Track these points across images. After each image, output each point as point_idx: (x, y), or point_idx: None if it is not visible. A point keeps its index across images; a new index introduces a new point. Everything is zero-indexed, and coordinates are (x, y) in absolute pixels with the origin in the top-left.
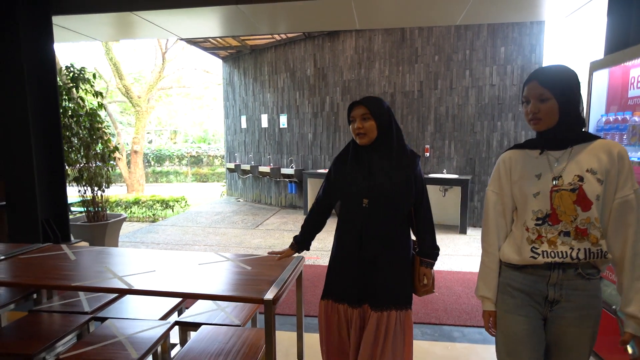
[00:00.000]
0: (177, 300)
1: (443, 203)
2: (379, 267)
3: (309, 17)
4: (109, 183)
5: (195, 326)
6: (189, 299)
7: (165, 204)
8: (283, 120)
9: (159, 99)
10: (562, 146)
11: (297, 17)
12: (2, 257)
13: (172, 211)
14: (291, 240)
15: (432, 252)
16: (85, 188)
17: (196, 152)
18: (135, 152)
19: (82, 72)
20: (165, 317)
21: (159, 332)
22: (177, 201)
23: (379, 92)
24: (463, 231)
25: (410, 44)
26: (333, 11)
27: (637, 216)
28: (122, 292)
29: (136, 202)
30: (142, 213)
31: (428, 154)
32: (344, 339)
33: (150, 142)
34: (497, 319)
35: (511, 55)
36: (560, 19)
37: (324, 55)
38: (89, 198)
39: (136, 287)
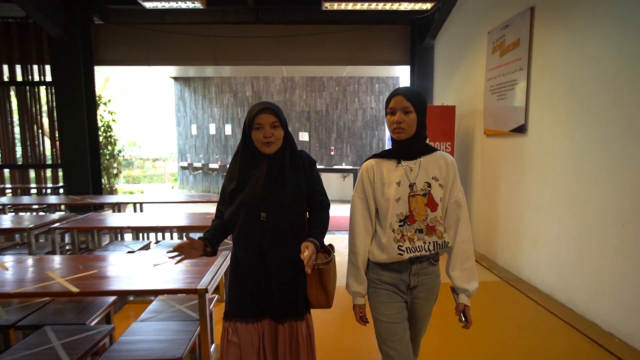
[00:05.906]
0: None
1: (343, 186)
2: (276, 279)
3: (255, 70)
4: (119, 173)
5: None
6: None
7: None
8: (228, 129)
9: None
10: (413, 157)
11: (248, 69)
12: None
13: None
14: None
15: (317, 233)
16: (103, 176)
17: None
18: None
19: (100, 97)
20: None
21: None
22: (141, 192)
23: (299, 110)
24: None
25: (319, 78)
26: (271, 69)
27: (464, 212)
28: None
29: None
30: None
31: (333, 153)
32: (248, 357)
33: None
34: (373, 309)
35: (382, 89)
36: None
37: (259, 82)
38: (106, 183)
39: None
